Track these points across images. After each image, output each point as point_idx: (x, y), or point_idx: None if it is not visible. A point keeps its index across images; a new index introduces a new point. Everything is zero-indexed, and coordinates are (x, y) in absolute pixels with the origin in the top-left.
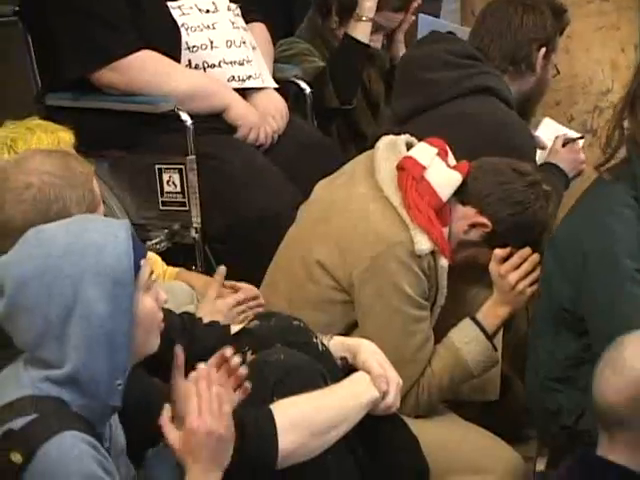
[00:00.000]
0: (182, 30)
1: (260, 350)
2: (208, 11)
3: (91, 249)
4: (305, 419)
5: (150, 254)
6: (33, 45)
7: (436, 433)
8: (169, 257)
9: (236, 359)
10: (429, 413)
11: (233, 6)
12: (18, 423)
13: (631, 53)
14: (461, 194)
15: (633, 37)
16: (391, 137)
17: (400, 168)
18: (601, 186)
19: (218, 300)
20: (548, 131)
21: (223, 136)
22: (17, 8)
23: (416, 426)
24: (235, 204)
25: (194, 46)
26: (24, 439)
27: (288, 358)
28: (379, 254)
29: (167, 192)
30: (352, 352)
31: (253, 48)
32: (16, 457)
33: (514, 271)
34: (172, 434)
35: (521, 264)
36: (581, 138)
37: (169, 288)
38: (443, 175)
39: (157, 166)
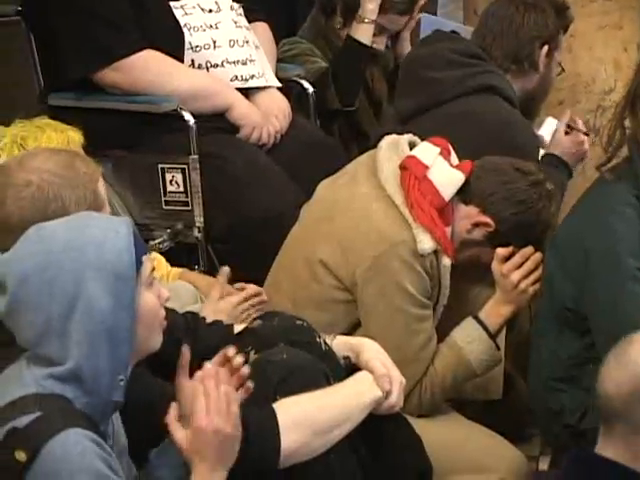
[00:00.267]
0: (185, 30)
1: (263, 349)
2: (211, 11)
3: (92, 245)
4: (308, 418)
5: (154, 255)
6: (36, 45)
7: (439, 432)
8: (172, 257)
9: (238, 359)
10: (432, 412)
11: (236, 5)
12: (22, 421)
13: (634, 52)
14: (464, 193)
15: (636, 36)
16: (394, 136)
17: (403, 167)
18: (603, 185)
19: (221, 300)
20: (551, 130)
21: (226, 136)
22: (20, 8)
23: (419, 425)
24: (238, 204)
25: (197, 46)
26: (28, 437)
27: (291, 357)
28: (382, 253)
29: (170, 192)
30: (355, 351)
31: (256, 47)
32: (20, 455)
33: (516, 270)
34: (178, 433)
35: (523, 263)
36: (586, 135)
37: (173, 288)
38: (446, 174)
39: (160, 166)
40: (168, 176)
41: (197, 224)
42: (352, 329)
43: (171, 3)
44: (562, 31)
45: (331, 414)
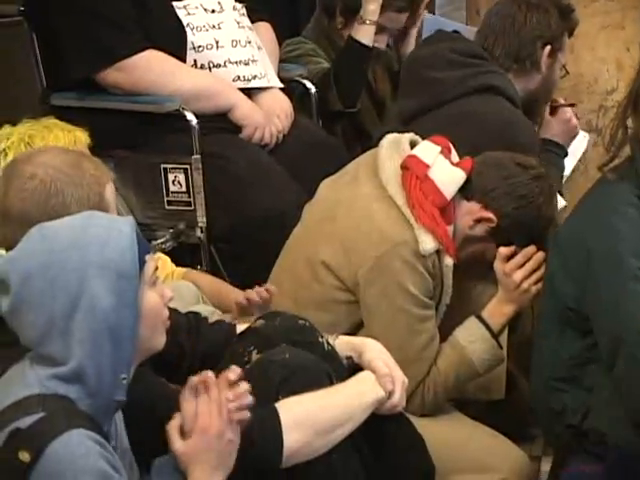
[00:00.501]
0: (187, 30)
1: (265, 349)
2: (214, 11)
3: (95, 243)
4: (310, 418)
5: (159, 254)
6: (38, 45)
7: (442, 432)
8: (174, 257)
9: (244, 385)
10: (435, 412)
11: (239, 6)
12: (26, 422)
13: (636, 52)
14: (465, 190)
15: (638, 36)
16: (395, 135)
17: (404, 167)
18: (605, 185)
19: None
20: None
21: (228, 136)
22: (22, 8)
23: (421, 425)
24: (240, 204)
25: (200, 46)
26: (32, 438)
27: (293, 357)
28: (383, 254)
29: (172, 192)
30: (358, 351)
31: (259, 48)
32: (24, 456)
33: (519, 269)
34: (177, 442)
35: (526, 262)
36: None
37: (176, 288)
38: (447, 173)
39: (162, 166)
40: (170, 176)
41: (199, 224)
42: (354, 329)
43: (174, 3)
44: (566, 33)
45: (333, 414)
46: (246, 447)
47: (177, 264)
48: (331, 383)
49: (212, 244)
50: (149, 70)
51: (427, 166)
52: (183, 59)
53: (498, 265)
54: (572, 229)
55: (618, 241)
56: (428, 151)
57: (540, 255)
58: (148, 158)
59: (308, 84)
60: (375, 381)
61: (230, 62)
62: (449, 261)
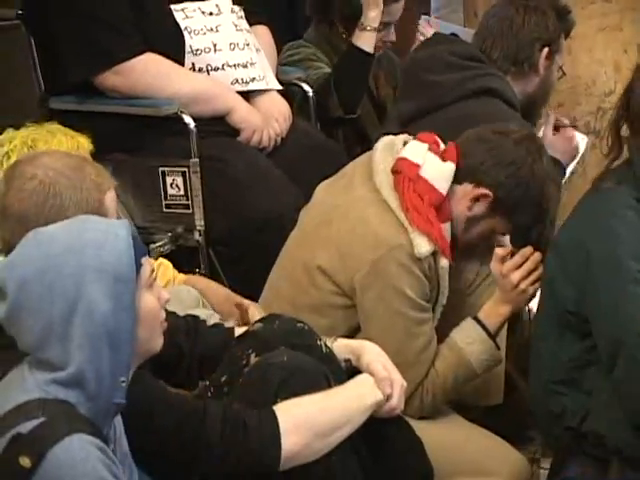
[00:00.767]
0: (185, 33)
1: (264, 352)
2: (211, 14)
3: (91, 247)
4: (309, 420)
5: (161, 260)
6: (36, 48)
7: (440, 435)
8: (173, 260)
9: None
10: (433, 415)
11: (236, 8)
12: (26, 427)
13: (634, 54)
14: (455, 175)
15: (636, 38)
16: (389, 137)
17: (395, 171)
18: (603, 189)
19: None
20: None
21: (226, 139)
22: (20, 11)
23: (420, 428)
24: (238, 207)
25: (197, 49)
26: (33, 443)
27: (292, 360)
28: (379, 258)
29: (171, 195)
30: (356, 354)
31: (257, 50)
32: (25, 461)
33: (516, 270)
34: None
35: (523, 263)
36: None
37: (176, 292)
38: (438, 169)
39: (161, 169)
40: (169, 179)
41: (198, 227)
42: (352, 334)
43: (172, 6)
44: (563, 35)
45: (332, 416)
46: (244, 450)
47: (175, 267)
48: (329, 386)
49: (210, 247)
50: (147, 73)
51: (418, 166)
52: (181, 62)
53: (495, 266)
54: (571, 232)
55: (617, 244)
56: (417, 151)
57: (537, 256)
58: (146, 161)
59: (306, 87)
60: (374, 384)
61: (228, 65)
62: (444, 263)
